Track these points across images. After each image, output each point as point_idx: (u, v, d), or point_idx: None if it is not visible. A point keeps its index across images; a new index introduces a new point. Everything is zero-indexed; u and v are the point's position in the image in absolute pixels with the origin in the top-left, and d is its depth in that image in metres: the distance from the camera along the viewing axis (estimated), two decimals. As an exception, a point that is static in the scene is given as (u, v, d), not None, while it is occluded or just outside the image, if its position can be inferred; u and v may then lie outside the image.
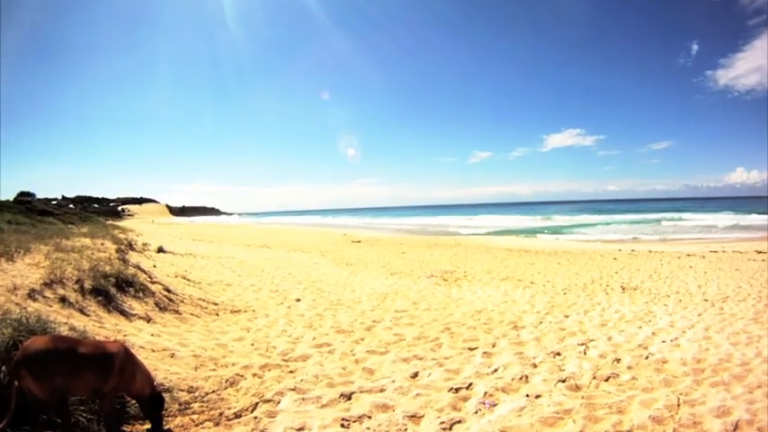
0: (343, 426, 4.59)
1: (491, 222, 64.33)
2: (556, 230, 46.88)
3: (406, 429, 4.53)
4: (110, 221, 48.01)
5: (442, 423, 4.59)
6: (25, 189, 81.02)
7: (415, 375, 6.00)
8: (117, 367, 4.16)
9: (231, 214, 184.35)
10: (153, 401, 4.49)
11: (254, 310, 10.25)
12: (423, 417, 4.78)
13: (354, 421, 4.68)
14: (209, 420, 4.70)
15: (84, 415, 4.37)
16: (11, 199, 53.21)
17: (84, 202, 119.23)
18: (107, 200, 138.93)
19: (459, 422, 4.64)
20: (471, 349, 7.12)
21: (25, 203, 46.01)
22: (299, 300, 11.62)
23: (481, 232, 47.93)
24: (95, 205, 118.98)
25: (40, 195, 79.57)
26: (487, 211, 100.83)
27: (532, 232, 45.10)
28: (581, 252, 24.57)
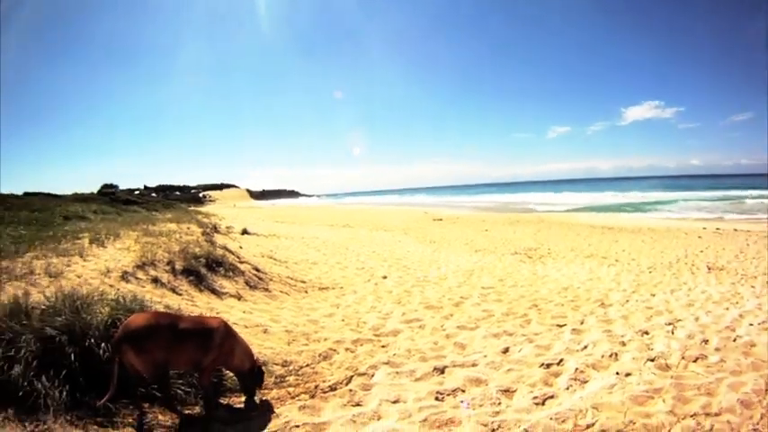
0: (437, 398, 4.54)
1: (571, 199, 61.79)
2: (638, 207, 44.30)
3: (499, 403, 4.45)
4: (192, 207, 50.00)
5: (534, 398, 4.49)
6: (108, 182, 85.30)
7: (506, 351, 5.92)
8: (217, 342, 4.27)
9: (311, 196, 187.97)
10: (253, 375, 4.59)
11: (341, 288, 10.41)
12: (515, 391, 4.69)
13: (448, 394, 4.63)
14: (304, 393, 4.75)
15: (183, 388, 4.54)
16: (95, 191, 56.21)
17: (165, 191, 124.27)
18: (188, 187, 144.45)
19: (552, 397, 4.53)
20: (560, 326, 6.96)
21: (109, 194, 48.76)
22: (385, 277, 11.71)
23: (562, 209, 46.33)
24: (177, 193, 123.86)
25: (122, 187, 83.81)
26: (567, 188, 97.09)
27: (614, 209, 42.97)
28: (665, 230, 23.34)
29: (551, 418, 4.01)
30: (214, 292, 8.53)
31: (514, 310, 7.97)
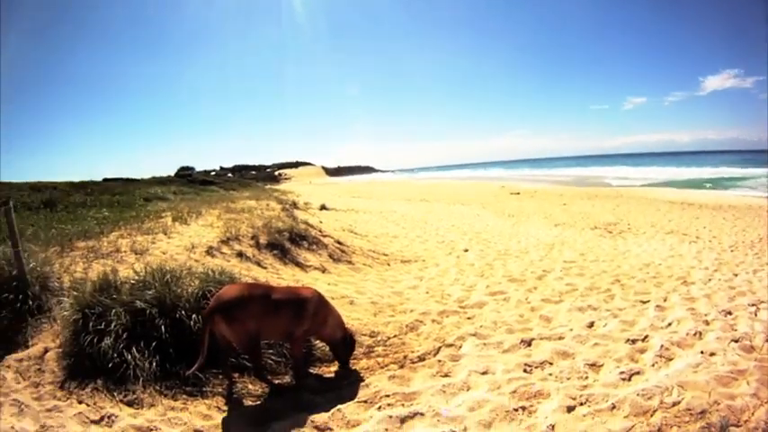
0: (525, 371, 4.54)
1: (650, 174, 58.67)
2: (718, 183, 41.27)
3: (586, 377, 4.42)
4: (268, 186, 50.93)
5: (621, 373, 4.40)
6: (184, 164, 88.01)
7: (591, 325, 5.85)
8: (310, 311, 4.40)
9: (386, 171, 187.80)
10: (345, 344, 4.72)
11: (423, 260, 10.48)
12: (602, 366, 4.64)
13: (536, 367, 4.62)
14: (393, 363, 4.86)
15: (273, 358, 4.73)
16: (172, 174, 58.20)
17: (241, 170, 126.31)
18: (264, 166, 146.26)
19: (638, 373, 4.42)
20: (643, 302, 6.77)
21: (186, 176, 50.37)
22: (466, 250, 11.69)
23: (640, 184, 44.29)
24: (252, 172, 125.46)
25: (198, 168, 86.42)
26: (645, 162, 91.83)
27: (694, 185, 40.37)
28: (746, 207, 21.86)
29: (638, 394, 3.93)
30: (298, 265, 8.78)
31: (597, 284, 7.84)
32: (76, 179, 27.38)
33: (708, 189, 36.75)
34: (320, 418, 3.75)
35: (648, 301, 6.75)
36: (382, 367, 4.77)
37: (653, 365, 4.59)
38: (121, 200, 16.60)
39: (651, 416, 3.67)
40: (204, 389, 4.26)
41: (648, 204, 23.73)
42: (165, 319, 4.51)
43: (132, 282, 5.01)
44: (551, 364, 4.68)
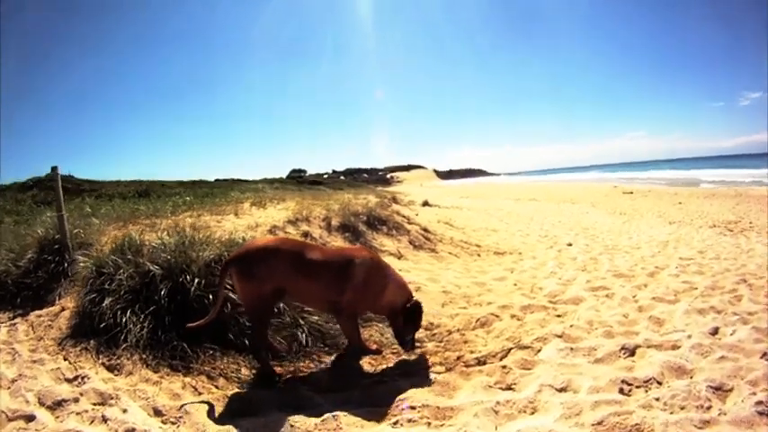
0: (622, 391, 3.17)
1: None
2: None
3: (709, 407, 2.93)
4: (379, 188, 51.04)
5: (758, 404, 2.86)
6: (297, 167, 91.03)
7: (715, 332, 4.27)
8: (358, 277, 3.47)
9: (498, 174, 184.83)
10: (410, 314, 3.73)
11: (520, 253, 9.17)
12: (731, 390, 3.11)
13: (639, 386, 3.24)
14: (440, 364, 3.70)
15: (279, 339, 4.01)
16: (284, 176, 59.51)
17: (353, 173, 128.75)
18: (376, 169, 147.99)
19: None
20: None
21: (296, 178, 51.62)
22: (570, 244, 10.26)
23: (765, 184, 39.38)
24: (365, 175, 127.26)
25: (311, 171, 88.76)
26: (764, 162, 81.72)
27: None
28: None
29: None
30: (371, 249, 7.84)
31: (720, 284, 6.17)
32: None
33: None
34: (306, 423, 2.87)
35: (785, 305, 5.04)
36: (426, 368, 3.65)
37: (804, 395, 3.00)
38: (215, 191, 16.64)
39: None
40: (191, 364, 3.69)
41: (771, 203, 20.84)
42: (167, 283, 4.10)
43: (155, 245, 4.69)
44: (660, 384, 3.27)
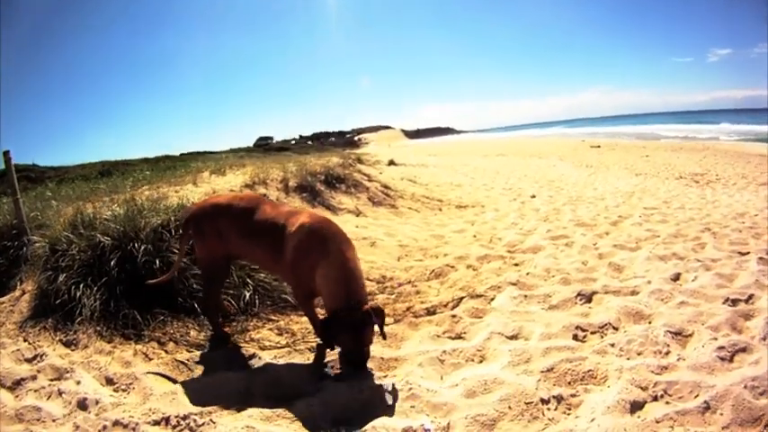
0: (576, 338, 3.12)
1: (740, 128, 53.62)
2: None
3: (667, 352, 2.87)
4: (346, 150, 50.60)
5: (719, 349, 2.81)
6: (264, 134, 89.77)
7: (677, 278, 4.24)
8: (291, 244, 2.99)
9: (466, 132, 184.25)
10: (343, 323, 2.95)
11: (482, 206, 9.13)
12: (691, 336, 3.06)
13: (594, 332, 3.18)
14: (389, 315, 3.50)
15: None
16: (251, 145, 58.40)
17: (320, 138, 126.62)
18: (343, 132, 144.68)
19: (744, 350, 2.82)
20: (742, 254, 5.01)
21: (263, 145, 50.76)
22: (534, 196, 10.31)
23: (730, 139, 40.30)
24: (332, 139, 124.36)
25: (278, 138, 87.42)
26: (731, 119, 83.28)
27: None
28: None
29: (745, 386, 2.39)
30: (329, 207, 7.91)
31: (684, 232, 6.18)
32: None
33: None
34: (239, 377, 2.91)
35: (748, 253, 5.03)
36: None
37: (764, 339, 2.96)
38: (177, 165, 16.38)
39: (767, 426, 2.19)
40: (143, 332, 3.65)
41: (738, 157, 21.25)
42: (117, 253, 4.05)
43: (106, 217, 4.62)
44: (616, 329, 3.22)
